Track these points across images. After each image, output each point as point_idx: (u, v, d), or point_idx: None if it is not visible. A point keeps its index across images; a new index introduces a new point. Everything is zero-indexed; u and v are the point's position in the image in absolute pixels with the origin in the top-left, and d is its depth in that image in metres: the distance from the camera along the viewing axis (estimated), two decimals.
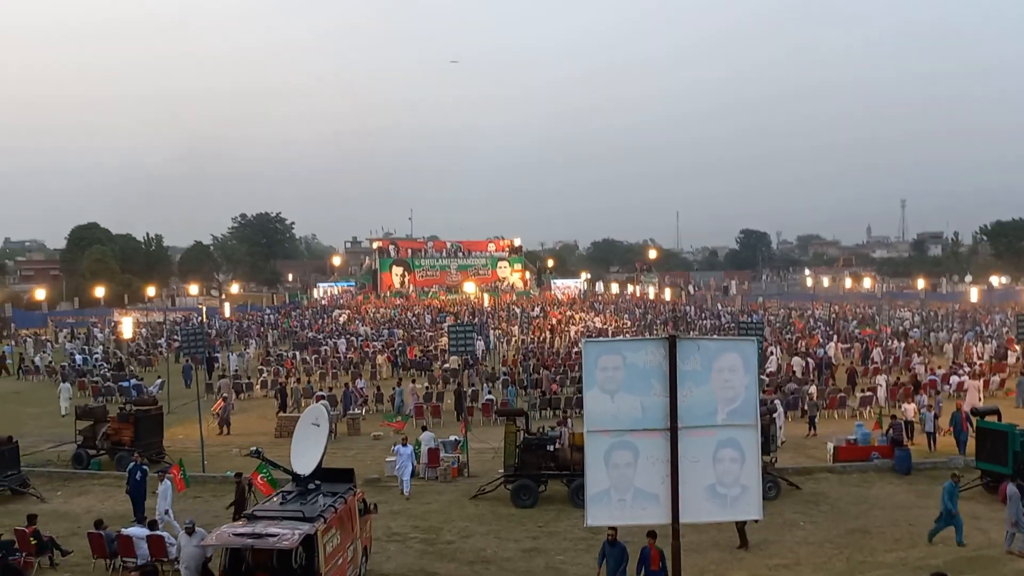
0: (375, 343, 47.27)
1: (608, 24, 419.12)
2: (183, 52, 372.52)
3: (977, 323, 51.80)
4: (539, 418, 25.98)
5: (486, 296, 77.34)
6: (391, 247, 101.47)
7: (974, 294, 63.71)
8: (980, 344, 40.27)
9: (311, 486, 12.02)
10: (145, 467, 17.09)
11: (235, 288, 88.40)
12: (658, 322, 57.61)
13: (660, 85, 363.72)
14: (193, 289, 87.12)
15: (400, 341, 47.71)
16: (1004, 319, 50.82)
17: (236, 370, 37.74)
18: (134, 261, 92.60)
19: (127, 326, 42.78)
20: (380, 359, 39.90)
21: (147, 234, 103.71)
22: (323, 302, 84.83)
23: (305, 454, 12.31)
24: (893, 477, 19.27)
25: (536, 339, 48.92)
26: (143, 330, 57.49)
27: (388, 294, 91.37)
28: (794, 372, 31.94)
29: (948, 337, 44.61)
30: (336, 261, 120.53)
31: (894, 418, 22.48)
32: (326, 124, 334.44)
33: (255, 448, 13.31)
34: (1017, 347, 36.15)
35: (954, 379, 30.05)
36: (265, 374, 35.67)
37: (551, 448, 18.28)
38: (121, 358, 43.15)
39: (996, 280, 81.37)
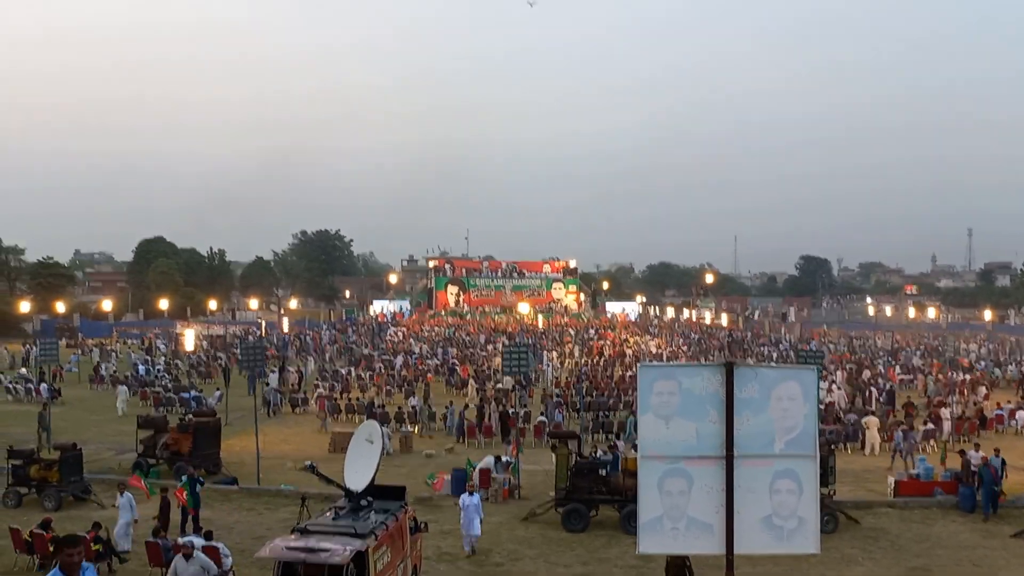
0: (430, 361, 47.60)
1: (691, 61, 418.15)
2: (242, 56, 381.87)
3: None
4: (591, 441, 25.80)
5: (540, 317, 77.25)
6: (447, 266, 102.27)
7: None
8: None
9: (363, 502, 12.10)
10: (201, 479, 17.44)
11: (293, 303, 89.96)
12: (713, 348, 56.86)
13: (737, 119, 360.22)
14: (253, 303, 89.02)
15: (453, 360, 47.99)
16: None
17: (279, 388, 36.34)
18: (197, 274, 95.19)
19: (189, 338, 43.91)
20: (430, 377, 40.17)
21: (211, 248, 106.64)
22: (378, 319, 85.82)
23: (358, 470, 12.40)
24: (956, 515, 18.60)
25: (589, 362, 48.67)
26: (204, 342, 58.88)
27: (443, 313, 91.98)
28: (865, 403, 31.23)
29: (1017, 371, 43.06)
30: (392, 279, 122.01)
31: (963, 453, 21.74)
32: (392, 137, 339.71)
33: (309, 463, 13.47)
34: None
35: (1021, 414, 28.99)
36: (321, 389, 36.17)
37: (603, 472, 18.12)
38: (180, 369, 44.26)
39: None
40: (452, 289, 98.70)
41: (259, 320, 66.67)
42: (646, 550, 8.28)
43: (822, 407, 28.93)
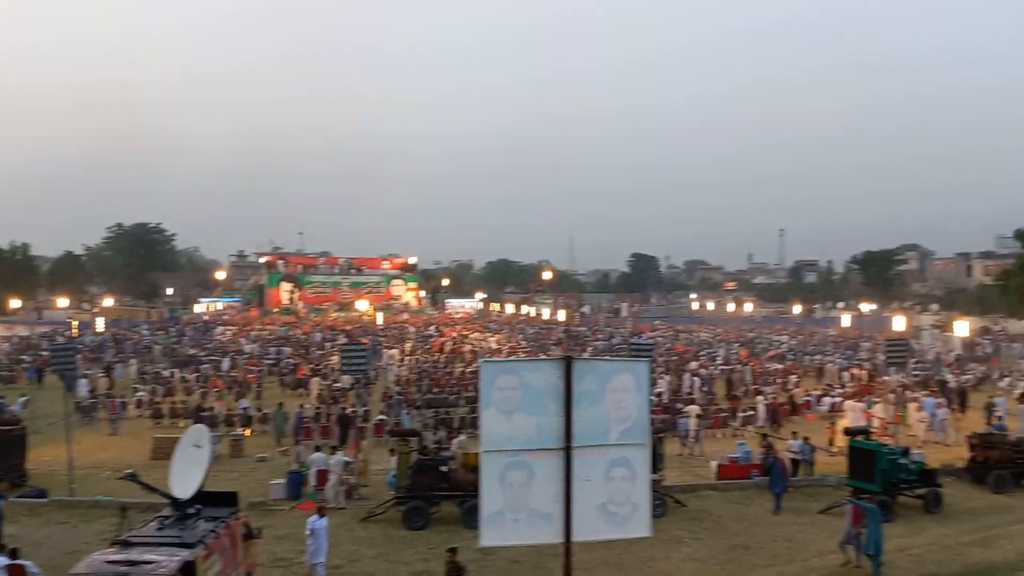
0: (263, 361, 45.90)
1: (515, 42, 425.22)
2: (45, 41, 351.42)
3: (849, 347, 54.76)
4: (433, 438, 25.75)
5: (379, 315, 76.37)
6: (280, 262, 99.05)
7: (845, 319, 67.33)
8: (855, 368, 42.51)
9: (191, 510, 11.47)
10: (2, 493, 15.95)
11: (109, 301, 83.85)
12: (552, 343, 58.30)
13: (562, 109, 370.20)
14: (62, 302, 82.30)
15: (288, 359, 46.52)
16: (873, 344, 53.78)
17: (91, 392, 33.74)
18: None
19: None
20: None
21: (13, 242, 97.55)
22: (205, 318, 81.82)
23: (185, 477, 11.74)
24: (771, 494, 20.00)
25: (430, 359, 48.60)
26: (6, 345, 53.93)
27: (277, 311, 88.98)
28: (688, 392, 32.98)
29: (822, 361, 46.94)
30: (221, 275, 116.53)
31: (765, 436, 23.48)
32: (220, 127, 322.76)
33: (130, 471, 12.64)
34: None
35: (826, 400, 31.63)
36: (141, 393, 34.01)
37: (445, 469, 18.14)
38: None
39: (866, 307, 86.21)
40: (286, 286, 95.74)
41: (69, 320, 61.73)
42: (488, 542, 8.35)
43: (654, 398, 30.35)
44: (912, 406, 28.09)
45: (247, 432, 27.63)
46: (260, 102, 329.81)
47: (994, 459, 20.83)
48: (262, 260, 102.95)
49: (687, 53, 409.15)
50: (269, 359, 47.45)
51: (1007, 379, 39.12)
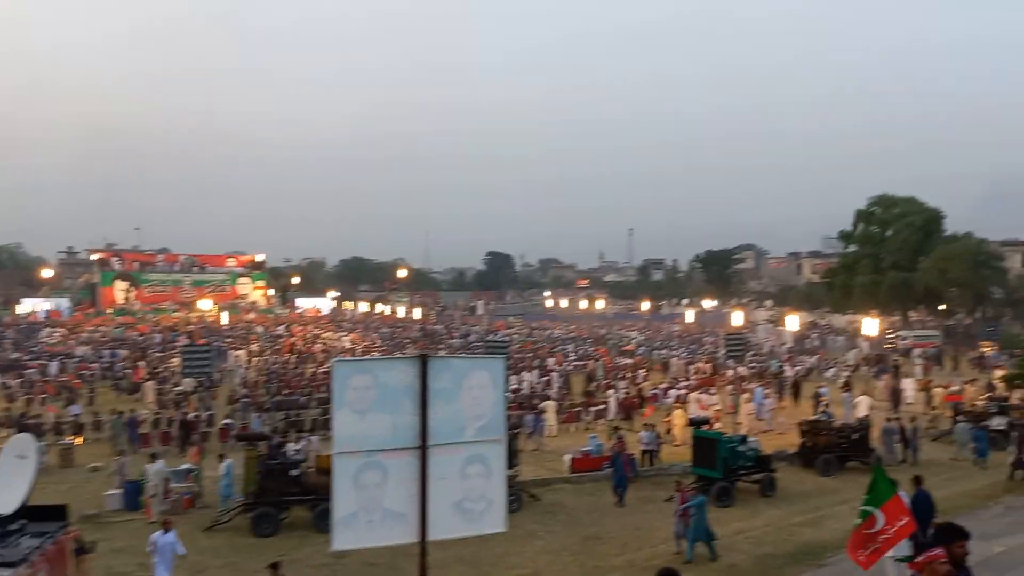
0: (94, 365, 43.04)
1: (360, 31, 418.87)
2: None
3: (693, 342, 57.54)
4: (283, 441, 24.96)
5: (225, 315, 73.28)
6: (114, 259, 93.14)
7: (689, 315, 70.72)
8: (699, 361, 44.71)
9: (14, 527, 10.54)
10: None
11: None
12: (409, 341, 57.91)
13: (415, 102, 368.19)
14: None
15: (123, 362, 43.86)
16: (715, 339, 56.78)
17: None
18: None
19: None
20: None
21: None
22: (30, 319, 75.78)
23: (7, 491, 10.78)
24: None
25: (280, 360, 47.13)
26: None
27: (111, 311, 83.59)
28: (543, 388, 33.56)
29: (668, 355, 49.08)
30: (47, 273, 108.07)
31: (616, 429, 24.33)
32: (43, 114, 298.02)
33: None
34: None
35: (673, 392, 33.06)
36: None
37: (295, 472, 17.60)
38: None
39: (708, 303, 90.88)
40: (121, 285, 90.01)
41: None
42: (341, 546, 8.12)
43: (510, 394, 30.72)
44: (744, 396, 29.79)
45: (78, 441, 25.78)
46: (92, 86, 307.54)
47: (821, 444, 22.43)
48: (94, 257, 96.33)
49: (539, 51, 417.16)
50: (103, 362, 44.54)
51: (832, 370, 42.31)
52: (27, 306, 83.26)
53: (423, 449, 7.97)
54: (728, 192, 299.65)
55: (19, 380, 37.09)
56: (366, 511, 7.92)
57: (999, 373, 34.22)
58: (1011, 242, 78.90)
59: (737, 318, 48.20)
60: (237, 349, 49.69)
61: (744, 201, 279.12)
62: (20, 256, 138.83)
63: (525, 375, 36.36)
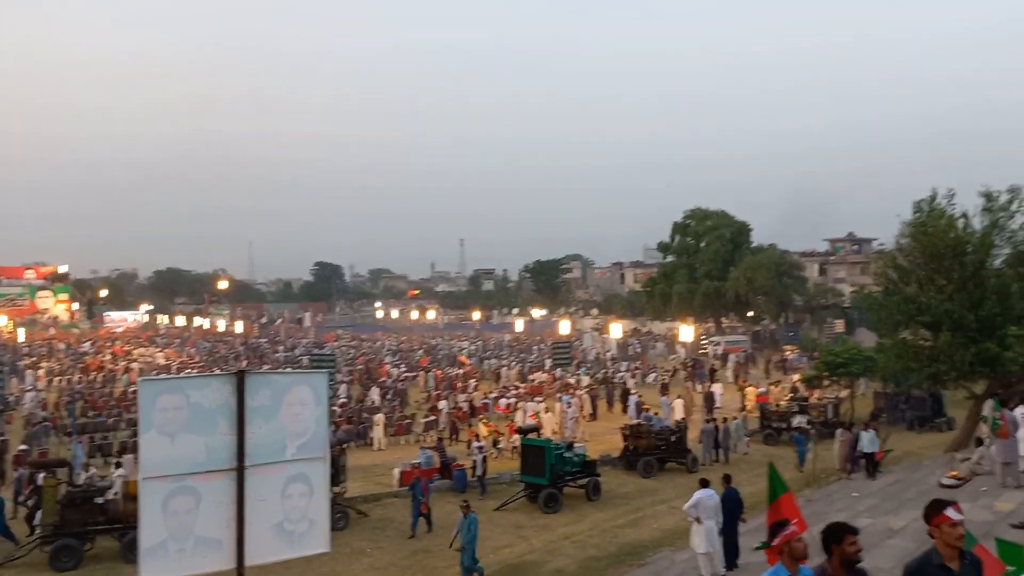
0: None
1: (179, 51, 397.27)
2: None
3: (523, 350, 58.59)
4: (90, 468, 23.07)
5: (22, 331, 67.09)
6: None
7: (519, 325, 72.07)
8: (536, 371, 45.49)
9: None
10: None
11: None
12: (231, 356, 55.36)
13: (238, 104, 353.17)
14: None
15: None
16: (542, 347, 58.13)
17: None
18: None
19: None
20: None
21: None
22: None
23: None
24: (452, 495, 20.68)
25: (86, 379, 43.67)
26: None
27: None
28: (373, 401, 33.00)
29: (499, 364, 49.71)
30: None
31: (440, 440, 24.33)
32: None
33: None
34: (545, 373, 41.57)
35: (503, 401, 33.50)
36: None
37: (101, 500, 16.30)
38: None
39: (537, 312, 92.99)
40: None
41: None
42: None
43: (337, 408, 30.00)
44: (557, 404, 30.58)
45: None
46: None
47: (643, 447, 23.44)
48: None
49: (363, 60, 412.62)
50: None
51: (653, 374, 44.39)
52: None
53: (240, 471, 7.57)
54: (556, 203, 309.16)
55: None
56: (176, 539, 7.42)
57: (796, 376, 37.11)
58: (809, 253, 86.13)
59: (564, 327, 49.63)
60: (35, 368, 45.59)
61: (571, 212, 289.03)
62: None
63: (375, 390, 35.48)
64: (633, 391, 34.29)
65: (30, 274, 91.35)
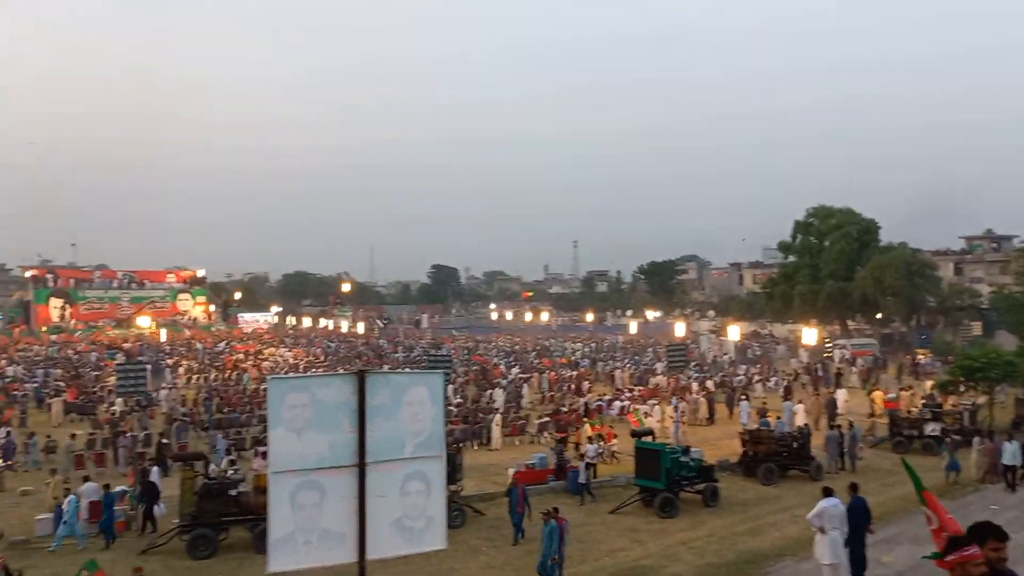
0: (27, 385, 41.58)
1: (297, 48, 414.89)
2: None
3: (638, 353, 58.06)
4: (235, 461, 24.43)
5: (164, 331, 71.60)
6: (49, 276, 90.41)
7: (633, 327, 71.39)
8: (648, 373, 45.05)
9: None
10: None
11: None
12: (353, 356, 57.31)
13: (363, 113, 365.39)
14: None
15: (57, 382, 42.48)
16: (657, 350, 57.38)
17: None
18: None
19: None
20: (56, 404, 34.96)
21: None
22: None
23: None
24: (566, 497, 20.70)
25: (221, 377, 46.19)
26: None
27: (45, 329, 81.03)
28: (493, 402, 33.43)
29: (612, 366, 49.41)
30: None
31: (560, 441, 24.37)
32: None
33: None
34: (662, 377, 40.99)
35: (617, 404, 33.28)
36: None
37: (234, 493, 17.22)
38: None
39: (651, 314, 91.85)
40: (56, 302, 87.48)
41: None
42: (277, 567, 7.94)
43: (454, 408, 30.59)
44: (664, 408, 30.04)
45: (8, 464, 24.83)
46: (30, 101, 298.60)
47: (762, 453, 22.78)
48: (28, 274, 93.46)
49: (477, 63, 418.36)
50: (35, 382, 43.04)
51: (774, 379, 43.05)
52: None
53: (361, 467, 7.86)
54: (671, 204, 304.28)
55: None
56: (303, 531, 7.77)
57: (930, 381, 35.23)
58: (943, 251, 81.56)
59: (680, 329, 48.83)
60: (176, 367, 48.55)
61: (687, 212, 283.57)
62: None
63: (498, 391, 35.94)
64: (755, 395, 33.38)
65: (171, 278, 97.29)
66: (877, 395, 32.50)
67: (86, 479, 19.55)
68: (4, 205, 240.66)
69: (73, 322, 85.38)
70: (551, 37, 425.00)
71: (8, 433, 27.18)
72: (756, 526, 18.10)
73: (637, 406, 30.12)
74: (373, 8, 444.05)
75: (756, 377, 42.68)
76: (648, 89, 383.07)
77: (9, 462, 24.89)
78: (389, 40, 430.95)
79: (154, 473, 20.12)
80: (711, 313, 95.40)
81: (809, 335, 45.96)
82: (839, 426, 25.09)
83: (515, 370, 47.17)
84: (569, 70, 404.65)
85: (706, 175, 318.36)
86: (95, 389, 39.49)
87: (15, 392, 38.83)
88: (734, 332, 51.80)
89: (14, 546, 16.48)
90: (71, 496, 17.50)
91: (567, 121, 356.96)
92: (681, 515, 18.90)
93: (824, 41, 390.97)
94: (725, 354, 55.14)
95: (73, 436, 26.11)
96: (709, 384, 37.84)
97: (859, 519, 13.06)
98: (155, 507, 18.39)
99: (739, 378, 42.10)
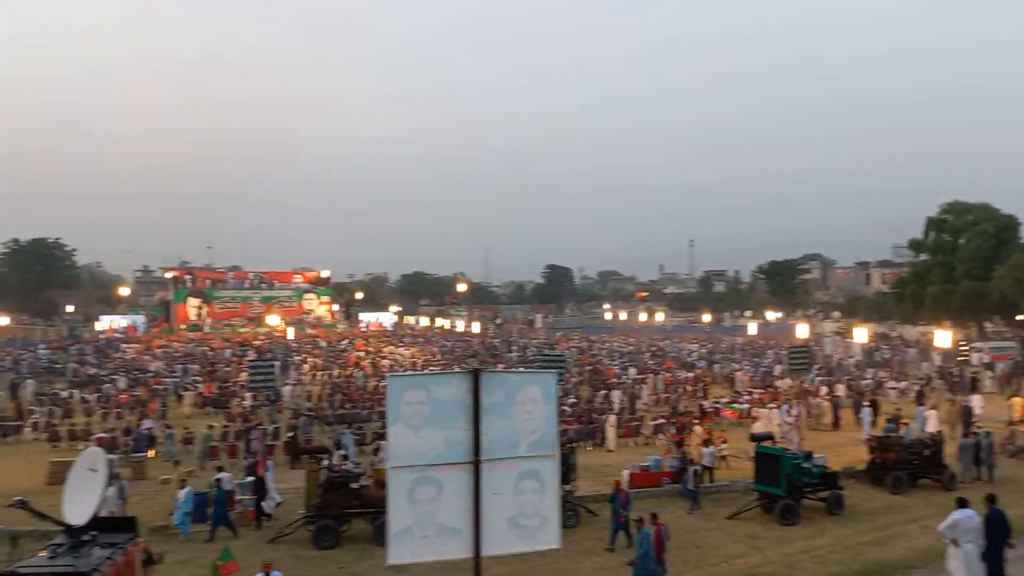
0: (167, 379, 44.36)
1: (420, 51, 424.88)
2: None
3: (757, 355, 56.46)
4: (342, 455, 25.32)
5: (291, 329, 74.82)
6: (187, 277, 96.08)
7: (752, 328, 69.45)
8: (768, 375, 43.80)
9: (85, 537, 10.91)
10: None
11: (4, 320, 79.49)
12: (467, 355, 58.24)
13: (474, 118, 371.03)
14: None
15: (195, 377, 45.10)
16: (778, 352, 55.60)
17: None
18: None
19: None
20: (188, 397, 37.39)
21: None
22: (108, 336, 78.56)
23: (79, 502, 11.16)
24: (682, 501, 20.38)
25: (343, 373, 47.88)
26: None
27: (184, 327, 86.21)
28: (612, 403, 33.32)
29: (731, 368, 48.25)
30: (124, 291, 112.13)
31: (680, 445, 23.98)
32: (125, 139, 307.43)
33: (19, 498, 11.94)
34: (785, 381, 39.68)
35: (735, 406, 32.46)
36: (37, 415, 32.40)
37: (355, 486, 17.83)
38: None
39: (771, 315, 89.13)
40: (193, 302, 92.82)
41: None
42: (396, 560, 8.21)
43: (568, 408, 30.60)
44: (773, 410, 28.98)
45: (151, 454, 26.58)
46: (167, 108, 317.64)
47: (891, 461, 21.74)
48: (168, 275, 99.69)
49: (590, 63, 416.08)
50: (174, 377, 45.87)
51: (903, 383, 40.96)
52: (105, 323, 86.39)
53: (476, 464, 8.01)
54: (792, 200, 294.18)
55: (97, 395, 38.43)
56: (421, 525, 7.99)
57: None
58: None
59: (802, 330, 47.16)
60: (302, 363, 50.61)
61: (809, 210, 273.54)
62: (100, 275, 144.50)
63: (616, 392, 35.86)
64: (888, 401, 31.80)
65: (298, 279, 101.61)
66: (1017, 401, 30.49)
67: (220, 469, 20.69)
68: (152, 214, 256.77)
69: (209, 320, 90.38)
70: (657, 33, 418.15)
71: (150, 425, 29.10)
72: (883, 536, 17.31)
73: (758, 409, 29.26)
74: (512, 23, 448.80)
75: (889, 382, 40.69)
76: (765, 81, 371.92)
77: (150, 452, 26.62)
78: (503, 57, 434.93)
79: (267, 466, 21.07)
80: (836, 314, 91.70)
81: (942, 338, 43.41)
82: (975, 433, 23.66)
83: (632, 371, 46.74)
84: (685, 64, 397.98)
85: (831, 168, 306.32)
86: (229, 384, 41.69)
87: (156, 386, 41.49)
88: (861, 334, 49.57)
89: (154, 532, 17.60)
90: (187, 488, 18.46)
91: (683, 116, 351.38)
92: (803, 523, 18.28)
93: (964, 25, 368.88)
94: (851, 357, 52.90)
95: (211, 427, 27.77)
96: (840, 388, 36.36)
97: (997, 532, 12.28)
98: (263, 502, 19.06)
99: (866, 382, 40.29)
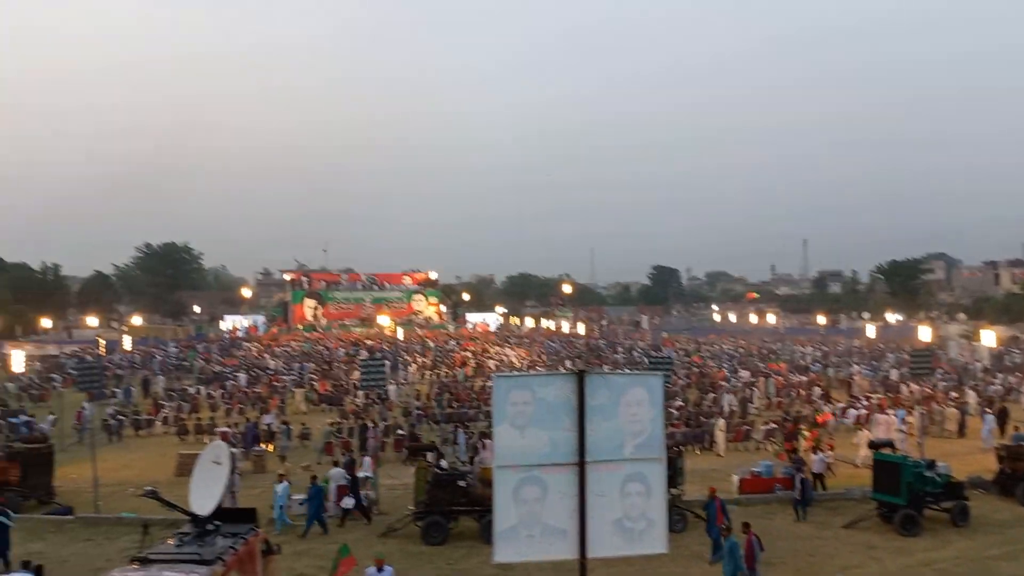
0: (285, 377, 46.24)
1: (532, 59, 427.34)
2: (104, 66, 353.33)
3: (875, 358, 54.10)
4: (452, 453, 25.77)
5: (400, 329, 76.67)
6: (304, 279, 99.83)
7: (871, 330, 66.58)
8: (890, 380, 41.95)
9: (209, 527, 11.53)
10: (7, 512, 16.08)
11: (137, 320, 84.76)
12: (572, 356, 58.19)
13: (582, 121, 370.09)
14: (92, 321, 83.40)
15: (311, 375, 46.82)
16: (898, 356, 53.11)
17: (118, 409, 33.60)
18: (28, 291, 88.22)
19: (17, 359, 40.52)
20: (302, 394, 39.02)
21: (43, 263, 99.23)
22: (231, 335, 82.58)
23: (204, 493, 11.81)
24: (791, 509, 19.75)
25: (450, 373, 48.70)
26: (36, 363, 54.67)
27: (300, 327, 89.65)
28: (723, 406, 32.71)
29: (848, 371, 46.40)
30: (246, 293, 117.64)
31: (794, 451, 23.24)
32: (246, 147, 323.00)
33: (150, 488, 12.73)
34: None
35: (852, 412, 31.24)
36: (167, 410, 34.38)
37: (463, 483, 18.13)
38: (9, 392, 41.00)
39: (891, 317, 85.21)
40: (310, 303, 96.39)
41: (98, 338, 62.48)
42: (502, 559, 8.31)
43: (675, 411, 30.16)
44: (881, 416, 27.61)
45: (270, 448, 27.78)
46: (287, 121, 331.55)
47: (1022, 471, 20.47)
48: (287, 277, 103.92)
49: (697, 62, 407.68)
50: (292, 375, 47.74)
51: None
52: (229, 322, 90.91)
53: (581, 465, 8.02)
54: (914, 197, 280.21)
55: (221, 391, 40.48)
56: (526, 525, 8.06)
57: None
58: None
59: (924, 333, 44.83)
60: (410, 363, 51.75)
61: (933, 206, 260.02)
62: (224, 277, 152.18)
63: (728, 396, 35.25)
64: (1019, 407, 29.88)
65: (407, 280, 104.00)
66: None
67: (335, 464, 21.44)
68: (274, 226, 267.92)
69: (324, 321, 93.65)
70: (761, 34, 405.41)
71: (270, 421, 30.42)
72: (1014, 550, 16.32)
73: (879, 416, 28.02)
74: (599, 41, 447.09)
75: (1020, 388, 38.28)
76: (878, 72, 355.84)
77: (269, 447, 27.80)
78: (613, 63, 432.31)
79: (365, 464, 21.65)
80: (961, 316, 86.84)
81: None
82: None
83: (743, 373, 45.58)
84: (793, 60, 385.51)
85: (954, 166, 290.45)
86: (343, 382, 43.08)
87: (275, 384, 43.31)
88: (989, 337, 46.70)
89: (273, 522, 18.39)
90: (283, 483, 19.08)
91: (794, 112, 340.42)
92: (924, 533, 17.44)
93: None
94: (978, 361, 49.99)
95: (331, 424, 28.83)
96: (970, 395, 34.41)
97: None
98: (359, 500, 19.40)
99: (995, 388, 38.00)
